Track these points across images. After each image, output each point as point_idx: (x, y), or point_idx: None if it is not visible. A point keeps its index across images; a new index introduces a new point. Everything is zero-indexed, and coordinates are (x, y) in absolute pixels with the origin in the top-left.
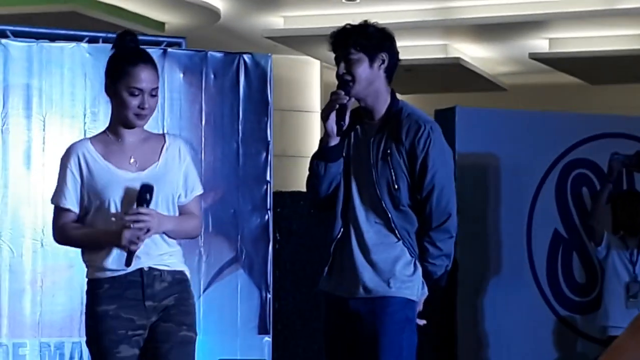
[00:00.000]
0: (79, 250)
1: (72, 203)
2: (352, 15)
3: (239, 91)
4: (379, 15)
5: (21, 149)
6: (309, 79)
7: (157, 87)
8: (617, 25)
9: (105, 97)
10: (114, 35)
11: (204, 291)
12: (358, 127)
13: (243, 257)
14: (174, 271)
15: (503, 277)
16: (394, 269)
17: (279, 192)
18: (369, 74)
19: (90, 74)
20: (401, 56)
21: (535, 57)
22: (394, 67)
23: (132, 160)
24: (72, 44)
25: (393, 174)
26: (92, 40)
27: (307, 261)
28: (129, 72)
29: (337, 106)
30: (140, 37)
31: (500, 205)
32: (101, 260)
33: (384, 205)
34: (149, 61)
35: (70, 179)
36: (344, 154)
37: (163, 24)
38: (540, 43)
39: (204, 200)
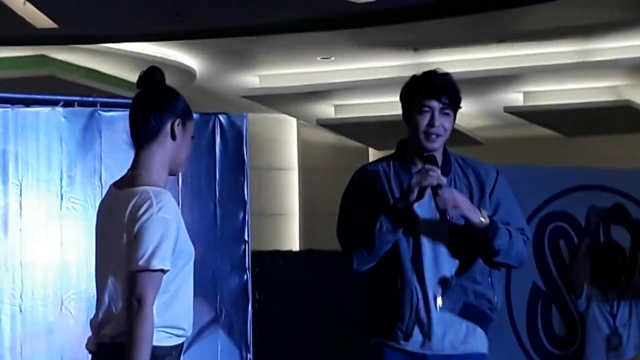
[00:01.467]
0: (57, 314)
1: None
2: (328, 73)
3: (216, 151)
4: (354, 72)
5: None
6: (285, 137)
7: None
8: (591, 78)
9: (82, 160)
10: (89, 99)
11: (184, 352)
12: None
13: (223, 317)
14: None
15: None
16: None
17: (257, 251)
18: (450, 130)
19: (66, 138)
20: (377, 112)
21: (510, 110)
22: None
23: None
24: (47, 109)
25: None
26: (67, 104)
27: (287, 320)
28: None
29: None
30: (116, 100)
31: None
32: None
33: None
34: None
35: (174, 238)
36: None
37: None
38: (515, 97)
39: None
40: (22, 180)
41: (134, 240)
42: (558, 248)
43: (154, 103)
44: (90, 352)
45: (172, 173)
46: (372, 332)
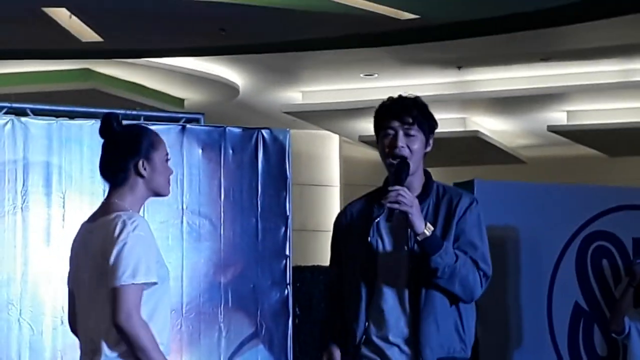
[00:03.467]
0: None
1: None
2: (371, 90)
3: (258, 166)
4: (397, 89)
5: (41, 226)
6: (327, 153)
7: None
8: (635, 98)
9: None
10: (133, 113)
11: None
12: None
13: (263, 332)
14: None
15: (524, 349)
16: None
17: (298, 266)
18: (422, 155)
19: None
20: None
21: (554, 129)
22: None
23: None
24: (92, 122)
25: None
26: None
27: None
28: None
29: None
30: (159, 114)
31: (520, 278)
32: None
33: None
34: None
35: (155, 252)
36: (371, 239)
37: (182, 100)
38: (558, 116)
39: (223, 276)
40: (65, 193)
41: (115, 260)
42: (601, 267)
43: (114, 152)
44: None
45: (158, 195)
46: None
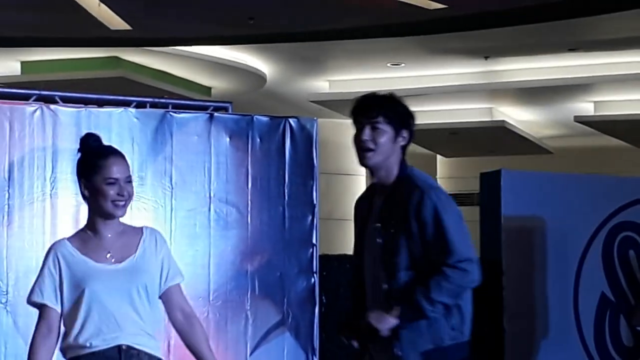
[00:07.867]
0: None
1: (49, 298)
2: (398, 80)
3: (285, 155)
4: (424, 79)
5: (70, 213)
6: None
7: (130, 175)
8: None
9: (153, 161)
10: (161, 101)
11: (250, 354)
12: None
13: (290, 320)
14: (152, 356)
15: (550, 340)
16: None
17: (325, 255)
18: (390, 147)
19: (138, 139)
20: (446, 119)
21: (581, 120)
22: (408, 144)
23: (108, 255)
24: (120, 109)
25: (390, 241)
26: (140, 105)
27: None
28: (102, 165)
29: None
30: (187, 102)
31: (547, 268)
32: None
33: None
34: (117, 153)
35: (48, 276)
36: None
37: (209, 88)
38: (585, 106)
39: (250, 264)
40: None
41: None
42: (627, 258)
43: None
44: None
45: (106, 218)
46: None
